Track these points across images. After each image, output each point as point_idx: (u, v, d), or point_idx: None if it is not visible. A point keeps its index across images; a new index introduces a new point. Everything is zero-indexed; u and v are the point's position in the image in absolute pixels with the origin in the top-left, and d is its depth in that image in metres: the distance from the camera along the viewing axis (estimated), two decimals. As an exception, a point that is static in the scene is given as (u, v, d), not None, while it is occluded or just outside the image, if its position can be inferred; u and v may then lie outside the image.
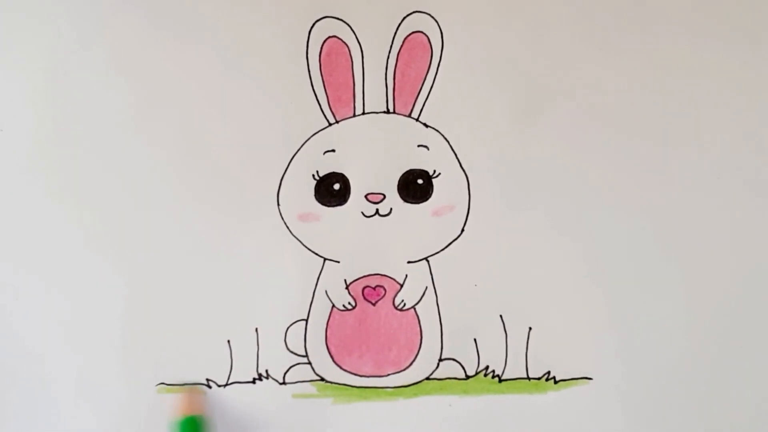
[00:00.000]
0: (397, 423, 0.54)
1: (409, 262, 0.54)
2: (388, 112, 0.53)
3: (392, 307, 0.54)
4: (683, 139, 0.53)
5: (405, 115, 0.53)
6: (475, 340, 0.54)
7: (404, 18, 0.52)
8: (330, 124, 0.53)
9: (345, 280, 0.54)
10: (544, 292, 0.54)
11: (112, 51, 0.52)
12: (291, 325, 0.54)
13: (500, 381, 0.54)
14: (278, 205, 0.53)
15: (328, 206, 0.53)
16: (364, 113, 0.53)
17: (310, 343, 0.54)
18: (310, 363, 0.54)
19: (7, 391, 0.54)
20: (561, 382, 0.54)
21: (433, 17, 0.52)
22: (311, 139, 0.53)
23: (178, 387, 0.53)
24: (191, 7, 0.52)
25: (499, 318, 0.54)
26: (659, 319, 0.54)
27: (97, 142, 0.53)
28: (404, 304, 0.54)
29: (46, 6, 0.52)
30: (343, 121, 0.53)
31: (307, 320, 0.54)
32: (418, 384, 0.54)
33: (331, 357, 0.54)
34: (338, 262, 0.54)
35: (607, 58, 0.53)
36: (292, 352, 0.54)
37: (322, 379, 0.54)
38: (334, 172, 0.53)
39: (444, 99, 0.53)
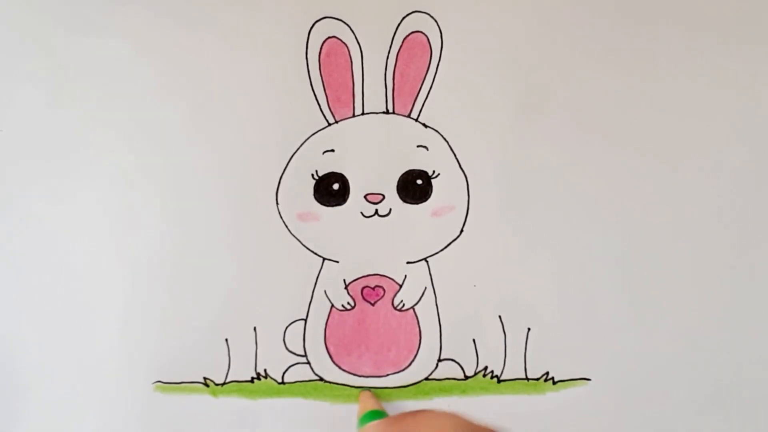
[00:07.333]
0: (396, 423, 0.54)
1: (408, 263, 0.54)
2: (387, 112, 0.53)
3: (391, 307, 0.54)
4: (683, 141, 0.53)
5: (404, 116, 0.53)
6: (474, 340, 0.54)
7: (404, 18, 0.52)
8: (329, 124, 0.53)
9: (344, 280, 0.54)
10: (543, 293, 0.54)
11: (111, 51, 0.52)
12: (290, 324, 0.54)
13: (499, 381, 0.54)
14: (277, 204, 0.53)
15: (328, 206, 0.53)
16: (363, 113, 0.53)
17: (309, 342, 0.54)
18: (308, 363, 0.54)
19: (5, 391, 0.54)
20: (559, 383, 0.54)
21: (432, 17, 0.53)
22: (310, 138, 0.53)
23: (176, 385, 0.53)
24: (191, 7, 0.52)
25: (498, 319, 0.54)
26: (658, 320, 0.54)
27: (96, 141, 0.53)
28: (403, 305, 0.54)
29: (45, 5, 0.52)
30: (342, 121, 0.53)
31: (306, 320, 0.54)
32: (417, 384, 0.54)
33: (330, 357, 0.54)
34: (337, 262, 0.54)
35: (607, 59, 0.53)
36: (290, 351, 0.54)
37: (321, 379, 0.54)
38: (333, 172, 0.53)
39: (443, 99, 0.53)
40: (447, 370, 0.54)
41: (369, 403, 0.52)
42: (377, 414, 0.50)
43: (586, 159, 0.53)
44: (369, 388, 0.54)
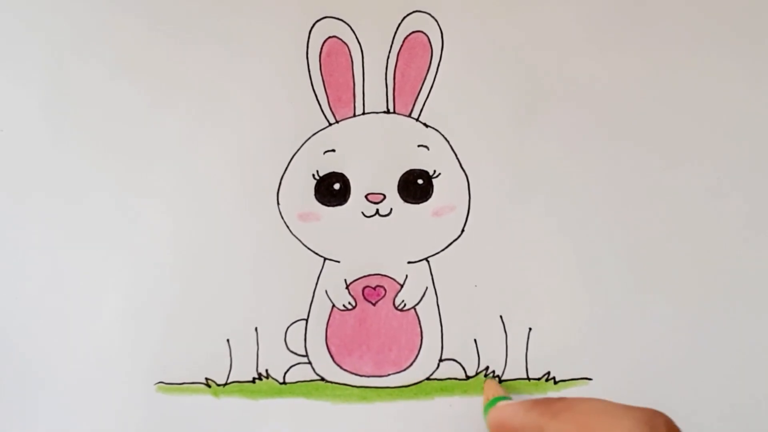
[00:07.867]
0: (398, 423, 0.54)
1: (409, 263, 0.54)
2: (388, 111, 0.53)
3: (392, 307, 0.54)
4: (685, 138, 0.53)
5: (405, 115, 0.53)
6: (475, 340, 0.54)
7: (404, 17, 0.53)
8: (330, 124, 0.53)
9: (345, 280, 0.54)
10: (544, 293, 0.53)
11: (112, 51, 0.53)
12: (291, 324, 0.54)
13: (500, 381, 0.54)
14: (278, 204, 0.53)
15: (328, 206, 0.53)
16: (364, 113, 0.53)
17: (310, 342, 0.54)
18: (310, 363, 0.54)
19: (5, 390, 0.54)
20: (561, 383, 0.54)
21: (433, 17, 0.53)
22: (311, 138, 0.53)
23: (178, 386, 0.53)
24: (191, 8, 0.52)
25: (500, 318, 0.54)
26: (659, 320, 0.54)
27: (97, 141, 0.53)
28: (404, 305, 0.54)
29: (46, 5, 0.52)
30: (343, 121, 0.53)
31: (307, 320, 0.54)
32: (419, 384, 0.54)
33: (332, 357, 0.54)
34: (338, 261, 0.54)
35: (608, 58, 0.53)
36: (292, 351, 0.54)
37: (322, 379, 0.54)
38: (334, 172, 0.53)
39: (444, 99, 0.53)
40: (448, 369, 0.54)
41: (496, 390, 0.51)
42: (504, 399, 0.50)
43: (587, 159, 0.53)
44: (369, 388, 0.54)
